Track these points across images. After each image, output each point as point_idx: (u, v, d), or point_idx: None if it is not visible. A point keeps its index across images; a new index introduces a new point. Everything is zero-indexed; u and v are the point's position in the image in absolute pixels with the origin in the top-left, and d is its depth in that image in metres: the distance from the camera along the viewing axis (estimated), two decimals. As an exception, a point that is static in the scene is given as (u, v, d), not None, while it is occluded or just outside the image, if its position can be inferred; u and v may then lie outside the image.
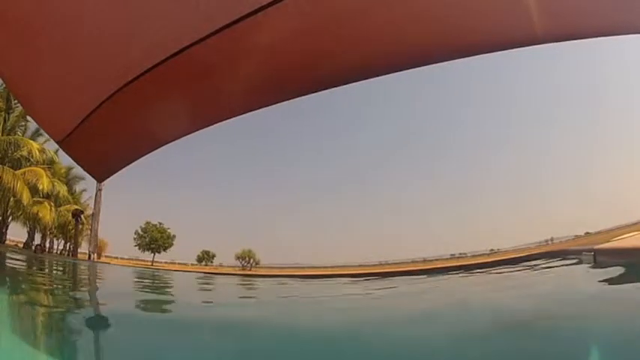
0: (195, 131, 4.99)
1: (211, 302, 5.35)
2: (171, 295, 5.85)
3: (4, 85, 15.28)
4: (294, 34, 3.57)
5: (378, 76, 4.26)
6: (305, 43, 3.66)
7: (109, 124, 4.67)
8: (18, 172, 16.16)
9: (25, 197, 16.19)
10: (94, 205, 12.68)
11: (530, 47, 3.91)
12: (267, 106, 4.62)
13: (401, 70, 4.20)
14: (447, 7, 3.50)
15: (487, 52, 3.84)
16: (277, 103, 4.58)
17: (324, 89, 4.28)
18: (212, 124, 4.79)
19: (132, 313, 3.84)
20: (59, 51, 3.70)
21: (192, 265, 36.21)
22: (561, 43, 3.82)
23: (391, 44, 3.86)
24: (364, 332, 2.71)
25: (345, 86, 4.37)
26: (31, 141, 16.80)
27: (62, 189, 18.50)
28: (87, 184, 22.04)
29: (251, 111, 4.67)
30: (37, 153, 16.76)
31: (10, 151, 16.37)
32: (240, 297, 6.49)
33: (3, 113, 16.45)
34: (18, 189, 15.84)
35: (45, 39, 3.57)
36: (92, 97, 4.33)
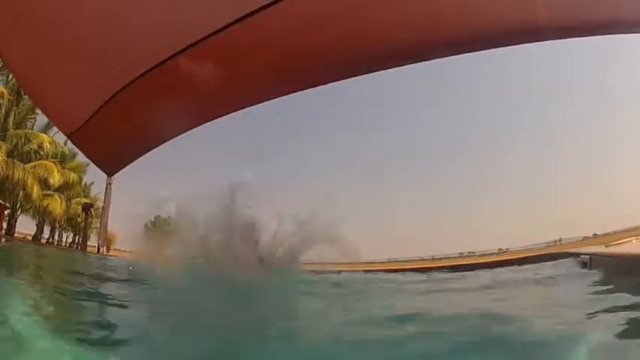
0: (203, 123, 4.99)
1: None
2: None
3: (13, 79, 15.39)
4: (299, 28, 3.55)
5: (380, 70, 4.24)
6: (309, 38, 3.64)
7: (120, 117, 4.68)
8: (28, 165, 16.26)
9: (35, 192, 16.30)
10: (104, 199, 12.72)
11: (541, 46, 3.85)
12: (273, 98, 4.60)
13: (406, 64, 4.17)
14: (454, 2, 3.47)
15: (493, 47, 3.80)
16: (282, 95, 4.56)
17: (333, 81, 4.27)
18: (221, 116, 4.80)
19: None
20: (70, 46, 3.71)
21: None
22: (572, 40, 3.76)
23: (396, 39, 3.83)
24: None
25: (351, 85, 4.37)
26: (42, 134, 16.89)
27: (73, 178, 18.59)
28: (97, 176, 22.12)
29: (258, 103, 4.67)
30: (48, 146, 16.85)
31: (20, 145, 16.47)
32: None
33: (14, 108, 16.57)
34: (29, 184, 15.95)
35: (56, 35, 3.58)
36: (103, 91, 4.35)
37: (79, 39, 3.66)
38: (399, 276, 9.88)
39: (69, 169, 19.12)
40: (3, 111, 16.65)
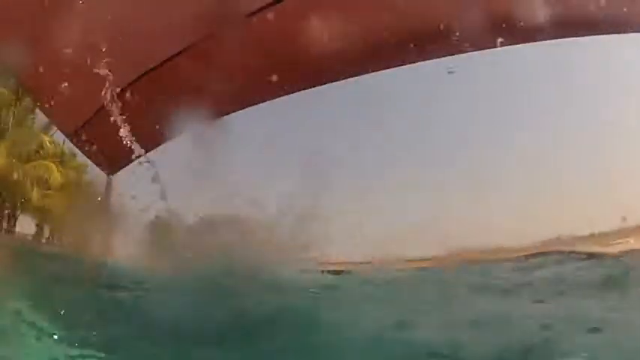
0: (202, 124, 4.98)
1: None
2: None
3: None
4: (298, 28, 3.54)
5: (380, 70, 4.23)
6: (308, 37, 3.63)
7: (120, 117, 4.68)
8: (28, 165, 16.26)
9: (35, 192, 16.28)
10: (104, 199, 12.71)
11: (542, 45, 3.84)
12: (270, 99, 4.59)
13: (406, 65, 4.16)
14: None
15: (492, 47, 3.80)
16: (279, 96, 4.55)
17: (333, 81, 4.26)
18: (221, 117, 4.78)
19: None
20: (69, 44, 3.70)
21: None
22: (572, 40, 3.76)
23: (394, 38, 3.82)
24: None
25: (351, 85, 4.36)
26: (42, 134, 16.89)
27: (73, 178, 18.53)
28: (96, 176, 22.09)
29: (255, 104, 4.66)
30: (48, 145, 16.85)
31: (19, 145, 16.44)
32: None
33: (14, 107, 16.58)
34: (28, 184, 15.94)
35: (55, 33, 3.58)
36: (103, 91, 4.34)
37: (79, 38, 3.66)
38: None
39: (69, 168, 19.11)
40: (3, 111, 16.64)
